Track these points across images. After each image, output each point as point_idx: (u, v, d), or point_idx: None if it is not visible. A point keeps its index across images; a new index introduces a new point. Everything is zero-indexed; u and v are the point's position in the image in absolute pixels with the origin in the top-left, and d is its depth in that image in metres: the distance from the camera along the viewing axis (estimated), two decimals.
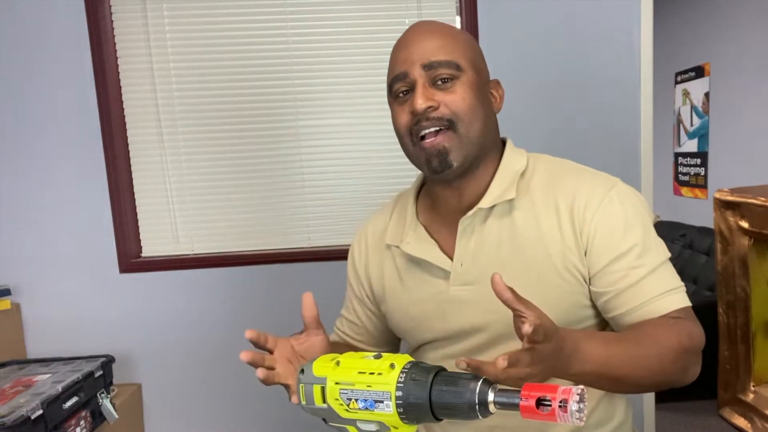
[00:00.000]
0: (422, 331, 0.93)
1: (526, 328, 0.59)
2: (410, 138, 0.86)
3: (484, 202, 0.87)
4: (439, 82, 0.83)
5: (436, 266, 0.89)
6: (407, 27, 0.91)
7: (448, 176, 0.86)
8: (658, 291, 0.81)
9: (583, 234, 0.83)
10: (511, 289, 0.61)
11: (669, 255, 0.85)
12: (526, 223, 0.86)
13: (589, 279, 0.85)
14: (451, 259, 0.89)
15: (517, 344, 0.86)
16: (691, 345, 0.79)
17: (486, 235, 0.87)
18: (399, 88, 0.86)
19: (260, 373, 0.73)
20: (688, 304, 0.83)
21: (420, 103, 0.82)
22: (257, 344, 0.78)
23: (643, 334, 0.78)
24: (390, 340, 1.07)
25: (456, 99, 0.83)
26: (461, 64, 0.84)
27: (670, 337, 0.77)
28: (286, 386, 0.76)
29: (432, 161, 0.84)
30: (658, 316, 0.80)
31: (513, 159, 0.91)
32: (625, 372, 0.74)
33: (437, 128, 0.83)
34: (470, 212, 0.87)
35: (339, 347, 1.00)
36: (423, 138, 0.84)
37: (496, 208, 0.87)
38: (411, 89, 0.85)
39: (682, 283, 0.84)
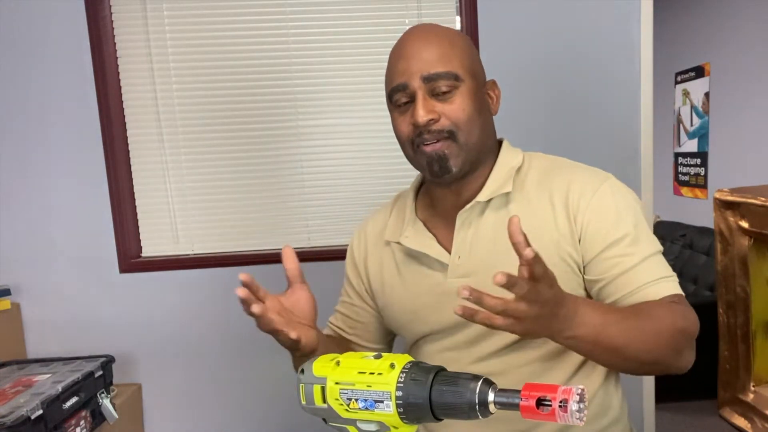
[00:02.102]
0: (419, 323, 0.96)
1: (528, 252, 0.60)
2: (411, 146, 0.90)
3: (482, 196, 0.90)
4: (439, 93, 0.86)
5: (435, 259, 0.92)
6: (407, 27, 0.93)
7: (447, 180, 0.90)
8: (651, 277, 0.83)
9: (577, 222, 0.87)
10: (524, 235, 0.62)
11: (661, 249, 0.88)
12: (521, 214, 0.87)
13: (584, 267, 0.88)
14: (449, 252, 0.92)
15: (511, 337, 0.87)
16: (685, 326, 0.81)
17: (483, 228, 0.91)
18: (399, 99, 0.89)
19: (256, 307, 0.72)
20: (681, 292, 0.85)
21: (421, 115, 0.85)
22: (249, 289, 0.77)
23: (641, 309, 0.81)
24: (384, 338, 1.08)
25: (455, 109, 0.86)
26: (459, 74, 0.87)
27: (666, 315, 0.79)
28: (277, 335, 0.76)
29: (432, 165, 0.88)
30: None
31: (509, 156, 0.95)
32: (621, 342, 0.76)
33: (437, 139, 0.87)
34: (468, 205, 0.91)
35: (331, 342, 1.00)
36: (424, 144, 0.88)
37: (493, 201, 0.91)
38: (411, 100, 0.88)
39: (675, 274, 0.86)
